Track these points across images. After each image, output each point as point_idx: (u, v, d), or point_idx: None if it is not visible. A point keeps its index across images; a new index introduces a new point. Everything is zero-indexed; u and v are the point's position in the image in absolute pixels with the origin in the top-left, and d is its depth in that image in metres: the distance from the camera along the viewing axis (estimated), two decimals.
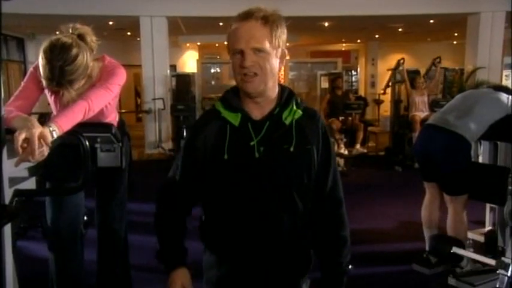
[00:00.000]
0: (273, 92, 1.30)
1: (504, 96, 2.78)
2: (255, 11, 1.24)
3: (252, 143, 1.26)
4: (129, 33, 9.91)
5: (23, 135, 1.36)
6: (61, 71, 1.75)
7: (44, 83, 1.80)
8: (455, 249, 2.47)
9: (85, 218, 2.20)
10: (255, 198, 1.28)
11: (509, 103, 2.73)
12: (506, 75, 3.23)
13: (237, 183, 1.29)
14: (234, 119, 1.28)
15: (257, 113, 1.30)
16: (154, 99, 8.00)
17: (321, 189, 1.35)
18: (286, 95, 1.32)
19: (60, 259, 2.09)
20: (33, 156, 1.37)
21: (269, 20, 1.24)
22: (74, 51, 1.78)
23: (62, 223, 2.05)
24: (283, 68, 10.76)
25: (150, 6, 7.69)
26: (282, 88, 1.35)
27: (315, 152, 1.30)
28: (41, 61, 1.78)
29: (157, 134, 8.08)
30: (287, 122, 1.28)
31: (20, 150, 1.35)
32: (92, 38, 1.89)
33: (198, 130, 1.34)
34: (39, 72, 1.80)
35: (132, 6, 7.64)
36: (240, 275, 1.34)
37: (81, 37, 1.85)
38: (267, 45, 1.23)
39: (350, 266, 1.38)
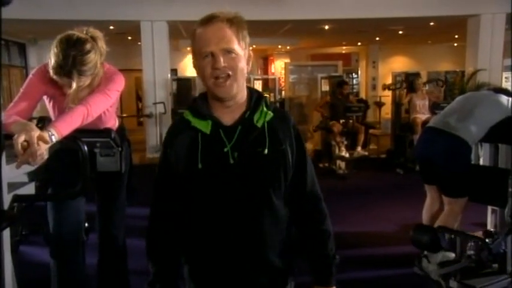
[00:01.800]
0: (243, 94, 1.30)
1: (504, 98, 2.78)
2: (218, 14, 1.24)
3: (225, 149, 1.24)
4: (129, 38, 9.95)
5: (22, 138, 1.38)
6: (73, 60, 1.79)
7: (52, 72, 1.82)
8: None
9: (86, 224, 2.21)
10: (233, 205, 1.26)
11: (510, 105, 2.72)
12: (506, 77, 3.23)
13: (214, 192, 1.27)
14: (205, 126, 1.26)
15: (228, 118, 1.28)
16: (155, 103, 8.02)
17: (299, 188, 1.34)
18: (255, 98, 1.31)
19: (62, 266, 2.10)
20: (34, 159, 1.39)
21: (234, 22, 1.24)
22: (88, 45, 1.84)
23: (63, 229, 2.06)
24: (282, 72, 10.70)
25: (150, 10, 7.72)
26: (250, 91, 1.34)
27: (289, 152, 1.29)
28: (54, 50, 1.81)
29: (158, 138, 8.09)
30: (259, 124, 1.27)
31: (21, 151, 1.37)
32: (102, 44, 1.93)
33: (169, 144, 1.31)
34: (44, 72, 1.84)
35: (133, 11, 7.68)
36: (221, 284, 1.31)
37: (94, 39, 1.89)
38: (236, 45, 1.23)
39: (337, 257, 1.38)
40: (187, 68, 12.46)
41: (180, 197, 1.30)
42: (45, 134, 1.46)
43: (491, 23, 8.01)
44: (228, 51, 1.21)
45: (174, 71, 10.75)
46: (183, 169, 1.27)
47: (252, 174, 1.26)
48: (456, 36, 11.13)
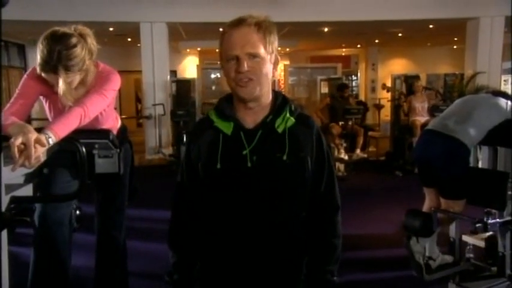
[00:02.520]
0: (267, 98, 1.30)
1: (503, 102, 2.78)
2: (247, 17, 1.25)
3: (244, 152, 1.25)
4: (129, 39, 9.96)
5: (19, 140, 1.37)
6: (58, 55, 1.76)
7: (39, 68, 1.80)
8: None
9: (78, 212, 2.15)
10: (248, 208, 1.27)
11: (508, 108, 2.73)
12: (505, 80, 3.23)
13: (230, 193, 1.28)
14: (227, 128, 1.28)
15: (250, 121, 1.29)
16: (154, 104, 8.02)
17: (315, 196, 1.34)
18: (279, 102, 1.32)
19: (46, 254, 1.97)
20: (30, 161, 1.38)
21: (262, 26, 1.24)
22: (74, 40, 1.82)
23: (48, 207, 1.95)
24: (281, 74, 10.76)
25: (150, 12, 7.73)
26: (275, 94, 1.34)
27: (308, 159, 1.29)
28: (39, 46, 1.79)
29: (157, 139, 8.09)
30: (280, 130, 1.27)
31: (17, 155, 1.36)
32: (92, 41, 1.90)
33: (192, 142, 1.34)
34: (36, 62, 1.81)
35: (133, 13, 7.68)
36: (232, 285, 1.32)
37: (82, 36, 1.87)
38: (262, 50, 1.23)
39: (336, 278, 1.34)
40: (187, 69, 12.47)
41: (200, 193, 1.32)
42: (43, 137, 1.45)
43: (490, 26, 8.03)
44: (253, 56, 1.22)
45: (173, 73, 10.76)
46: (202, 167, 1.29)
47: (269, 179, 1.26)
48: (455, 39, 11.15)
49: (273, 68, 1.29)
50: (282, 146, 1.26)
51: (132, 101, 12.90)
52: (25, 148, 1.37)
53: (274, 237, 1.28)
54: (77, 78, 1.85)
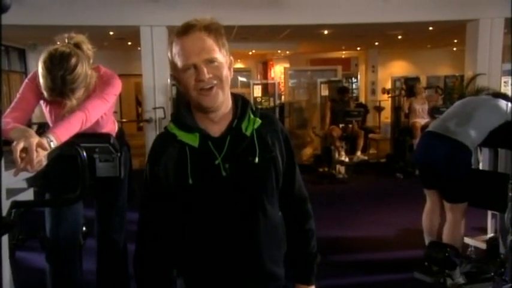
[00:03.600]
0: (228, 102, 1.26)
1: (503, 103, 2.78)
2: (194, 22, 1.20)
3: (216, 162, 1.20)
4: (129, 43, 9.96)
5: (21, 145, 1.37)
6: (63, 81, 1.77)
7: (46, 93, 1.81)
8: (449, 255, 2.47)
9: (84, 228, 2.19)
10: (227, 217, 1.23)
11: (508, 110, 2.73)
12: (505, 82, 3.24)
13: (207, 205, 1.22)
14: (193, 139, 1.21)
15: (215, 129, 1.24)
16: (154, 108, 8.02)
17: (288, 192, 1.33)
18: (241, 105, 1.27)
19: (58, 270, 2.08)
20: (32, 166, 1.38)
21: (212, 29, 1.20)
22: (73, 60, 1.80)
23: (60, 233, 2.04)
24: (282, 77, 10.68)
25: (150, 16, 7.74)
26: (234, 97, 1.29)
27: (279, 158, 1.27)
28: (41, 71, 1.79)
29: None
30: (248, 133, 1.24)
31: (19, 159, 1.36)
32: (87, 46, 1.90)
33: (156, 159, 1.24)
34: (38, 84, 1.81)
35: (133, 16, 7.69)
36: None
37: (77, 46, 1.87)
38: (218, 54, 1.19)
39: (318, 256, 1.40)
40: None
41: (171, 214, 1.24)
42: (44, 141, 1.46)
43: (489, 28, 8.03)
44: (211, 61, 1.17)
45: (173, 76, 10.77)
46: (173, 185, 1.21)
47: (245, 185, 1.23)
48: (455, 41, 11.16)
49: (228, 70, 1.24)
50: (253, 149, 1.22)
51: (132, 105, 12.92)
52: (27, 152, 1.37)
53: (255, 241, 1.25)
54: (82, 92, 1.87)
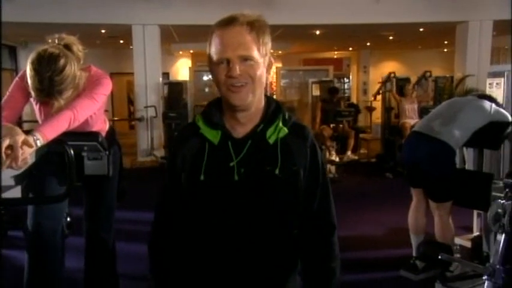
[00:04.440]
0: (259, 104, 1.19)
1: (487, 104, 2.84)
2: (239, 16, 1.14)
3: (231, 164, 1.14)
4: (121, 41, 9.94)
5: (6, 142, 1.39)
6: (50, 82, 1.78)
7: (33, 94, 1.82)
8: (442, 255, 2.51)
9: (68, 219, 2.17)
10: (234, 225, 1.16)
11: (492, 111, 2.79)
12: (490, 83, 3.32)
13: (214, 207, 1.17)
14: (214, 136, 1.17)
15: (240, 129, 1.18)
16: (146, 107, 8.03)
17: (308, 214, 1.22)
18: (272, 110, 1.20)
19: (39, 260, 2.02)
20: (17, 163, 1.40)
21: (255, 26, 1.13)
22: (62, 61, 1.80)
23: (43, 220, 1.99)
24: (274, 76, 10.77)
25: (142, 14, 7.74)
26: (268, 101, 1.22)
27: (301, 173, 1.18)
28: (29, 72, 1.79)
29: (149, 141, 8.10)
30: (271, 140, 1.17)
31: (4, 156, 1.38)
32: (78, 47, 1.91)
33: (177, 148, 1.23)
34: (27, 83, 1.82)
35: (125, 15, 7.68)
36: None
37: (67, 47, 1.87)
38: (255, 52, 1.12)
39: None
40: (179, 71, 12.49)
41: (183, 204, 1.21)
42: (30, 138, 1.47)
43: (478, 30, 8.14)
44: (246, 59, 1.11)
45: (166, 75, 10.77)
46: (185, 177, 1.19)
47: (258, 194, 1.15)
48: (446, 42, 11.28)
49: (266, 71, 1.18)
50: (274, 159, 1.15)
51: (124, 103, 12.88)
52: (12, 150, 1.39)
53: (261, 257, 1.18)
54: (70, 92, 1.87)
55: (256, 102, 1.16)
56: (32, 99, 1.96)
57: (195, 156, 1.18)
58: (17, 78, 1.94)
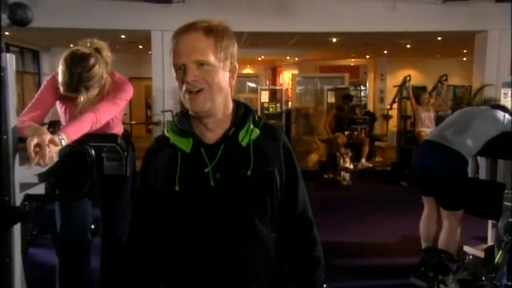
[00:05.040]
0: (225, 109, 1.18)
1: (500, 114, 2.84)
2: (198, 22, 1.15)
3: (206, 170, 1.13)
4: (140, 47, 10.13)
5: (34, 141, 1.48)
6: (79, 78, 1.91)
7: (62, 89, 1.94)
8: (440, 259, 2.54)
9: (92, 226, 2.30)
10: (213, 231, 1.15)
11: (506, 121, 2.79)
12: (504, 93, 3.29)
13: (193, 216, 1.15)
14: (185, 144, 1.16)
15: (210, 135, 1.17)
16: (163, 111, 8.15)
17: (287, 213, 1.23)
18: (241, 113, 1.20)
19: (68, 264, 2.18)
20: (44, 160, 1.49)
21: (213, 31, 1.13)
22: (92, 60, 1.94)
23: (70, 229, 2.16)
24: (289, 83, 10.74)
25: (161, 21, 7.89)
26: (237, 105, 1.22)
27: (276, 174, 1.18)
28: (61, 68, 1.93)
29: None
30: (244, 143, 1.16)
31: (32, 154, 1.47)
32: (107, 53, 2.05)
33: (148, 162, 1.21)
34: (57, 80, 1.95)
35: (144, 21, 7.85)
36: None
37: (97, 50, 2.01)
38: (211, 57, 1.11)
39: (325, 286, 1.29)
40: None
41: (160, 220, 1.19)
42: (56, 138, 1.57)
43: (498, 39, 8.06)
44: (201, 64, 1.11)
45: None
46: (160, 190, 1.16)
47: (235, 198, 1.15)
48: (465, 51, 11.17)
49: (230, 76, 1.17)
50: (247, 161, 1.15)
51: (142, 107, 13.08)
52: (40, 148, 1.48)
53: (243, 261, 1.17)
54: (96, 91, 2.00)
55: (217, 108, 1.15)
56: (57, 103, 2.07)
57: (167, 167, 1.16)
58: (45, 82, 2.07)
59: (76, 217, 2.18)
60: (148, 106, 12.23)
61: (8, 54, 1.32)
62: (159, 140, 1.24)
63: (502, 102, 3.14)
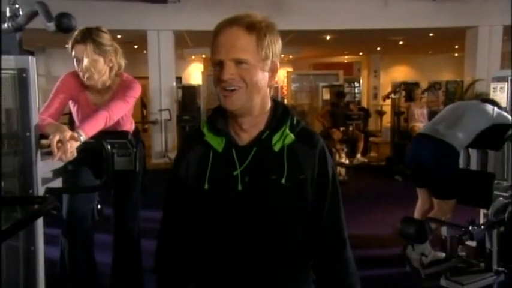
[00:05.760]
0: (262, 109, 1.13)
1: (490, 108, 2.97)
2: (242, 17, 1.09)
3: (235, 173, 1.09)
4: (136, 47, 10.19)
5: (57, 137, 1.59)
6: (90, 31, 2.06)
7: (71, 43, 2.06)
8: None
9: (98, 206, 2.39)
10: (238, 237, 1.11)
11: (494, 114, 2.91)
12: (493, 88, 3.40)
13: (219, 218, 1.13)
14: (218, 143, 1.12)
15: (244, 136, 1.13)
16: (160, 110, 8.24)
17: (316, 225, 1.16)
18: (279, 115, 1.14)
19: (73, 243, 2.26)
20: (66, 155, 1.60)
21: (255, 28, 1.07)
22: (108, 38, 2.12)
23: (76, 205, 2.24)
24: (284, 81, 10.91)
25: (157, 20, 7.97)
26: (275, 106, 1.16)
27: (309, 182, 1.12)
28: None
29: (163, 144, 8.29)
30: (276, 148, 1.11)
31: (55, 149, 1.58)
32: (120, 59, 2.19)
33: (181, 158, 1.19)
34: (70, 79, 2.12)
35: (140, 21, 7.92)
36: None
37: (115, 50, 2.16)
38: (251, 55, 1.06)
39: None
40: (192, 75, 12.72)
41: (190, 215, 1.17)
42: (75, 135, 1.68)
43: (488, 35, 8.22)
44: (240, 62, 1.06)
45: (179, 79, 10.99)
46: (189, 186, 1.15)
47: (262, 205, 1.10)
48: (456, 47, 11.33)
49: (270, 75, 1.12)
50: (280, 167, 1.09)
51: (138, 107, 13.12)
52: (62, 144, 1.59)
53: (268, 269, 1.12)
54: (100, 61, 2.09)
55: (254, 108, 1.11)
56: (70, 102, 2.17)
57: (199, 163, 1.13)
58: (58, 83, 2.17)
59: (80, 199, 2.26)
60: (144, 105, 12.29)
61: (29, 57, 1.42)
62: (193, 135, 1.20)
63: (491, 96, 3.24)
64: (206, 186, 1.11)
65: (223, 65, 1.06)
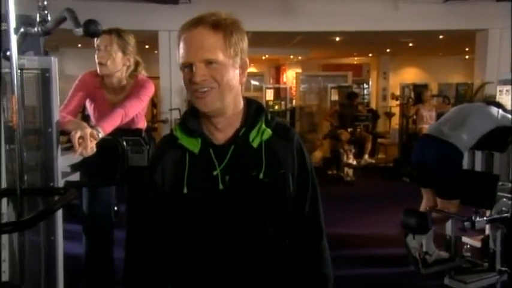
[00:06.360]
0: (235, 108, 1.12)
1: (494, 110, 3.01)
2: (205, 16, 1.07)
3: (215, 173, 1.09)
4: (147, 46, 10.31)
5: (78, 134, 1.69)
6: (117, 28, 2.20)
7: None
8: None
9: (115, 207, 2.48)
10: (222, 236, 1.11)
11: (499, 116, 2.96)
12: (500, 90, 3.42)
13: (201, 220, 1.11)
14: (194, 145, 1.10)
15: (219, 135, 1.12)
16: (171, 109, 8.34)
17: (298, 219, 1.16)
18: (253, 112, 1.13)
19: (93, 241, 2.37)
20: (87, 151, 1.70)
21: (221, 26, 1.06)
22: (133, 40, 2.25)
23: (96, 207, 2.34)
24: (293, 82, 10.92)
25: (168, 21, 8.07)
26: (248, 103, 1.16)
27: (290, 177, 1.12)
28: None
29: None
30: (255, 144, 1.10)
31: (77, 145, 1.68)
32: (142, 69, 2.33)
33: (155, 164, 1.16)
34: (86, 78, 2.23)
35: (151, 21, 8.03)
36: None
37: (136, 61, 2.30)
38: (220, 55, 1.05)
39: None
40: None
41: (166, 224, 1.15)
42: (94, 131, 1.78)
43: (499, 38, 8.19)
44: (210, 62, 1.05)
45: None
46: (168, 192, 1.12)
47: (245, 202, 1.10)
48: (467, 49, 11.28)
49: (241, 72, 1.11)
50: (258, 163, 1.09)
51: (148, 106, 13.14)
52: (83, 140, 1.68)
53: (252, 268, 1.13)
54: (119, 55, 2.20)
55: (231, 106, 1.10)
56: (87, 101, 2.28)
57: (175, 168, 1.12)
58: (77, 81, 2.28)
59: (101, 196, 2.36)
60: (154, 105, 12.42)
61: (52, 58, 1.51)
62: (166, 139, 1.18)
63: (498, 99, 3.29)
64: (185, 190, 1.09)
65: (193, 67, 1.05)
